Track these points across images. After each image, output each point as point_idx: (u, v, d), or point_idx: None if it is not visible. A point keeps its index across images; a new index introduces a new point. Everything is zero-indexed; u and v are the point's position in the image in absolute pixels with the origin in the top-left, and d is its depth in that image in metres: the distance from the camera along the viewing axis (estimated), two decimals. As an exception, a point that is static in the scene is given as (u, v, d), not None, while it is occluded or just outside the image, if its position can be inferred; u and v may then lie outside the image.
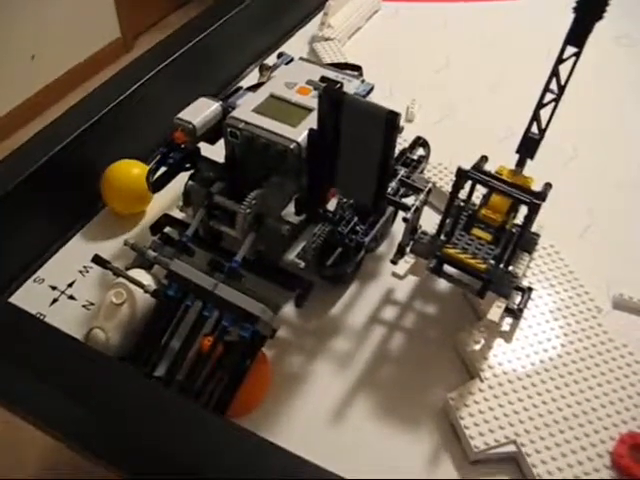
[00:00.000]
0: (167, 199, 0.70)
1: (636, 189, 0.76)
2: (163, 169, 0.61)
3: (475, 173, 0.54)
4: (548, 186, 0.56)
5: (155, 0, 2.40)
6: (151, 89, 0.74)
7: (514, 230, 0.57)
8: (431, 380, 0.57)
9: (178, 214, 0.65)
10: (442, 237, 0.58)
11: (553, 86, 0.54)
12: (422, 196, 0.56)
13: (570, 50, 0.51)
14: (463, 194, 0.56)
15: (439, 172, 0.74)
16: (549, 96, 0.54)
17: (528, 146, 0.57)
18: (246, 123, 0.56)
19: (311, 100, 0.58)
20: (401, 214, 0.56)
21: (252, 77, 0.91)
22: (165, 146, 0.60)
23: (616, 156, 0.81)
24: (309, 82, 0.56)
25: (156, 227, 0.64)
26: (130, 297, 0.54)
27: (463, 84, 0.92)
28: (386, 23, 1.06)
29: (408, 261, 0.57)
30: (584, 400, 0.54)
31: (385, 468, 0.51)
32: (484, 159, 0.59)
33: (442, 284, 0.64)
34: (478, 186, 0.55)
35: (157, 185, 0.61)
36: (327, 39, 0.97)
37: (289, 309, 0.62)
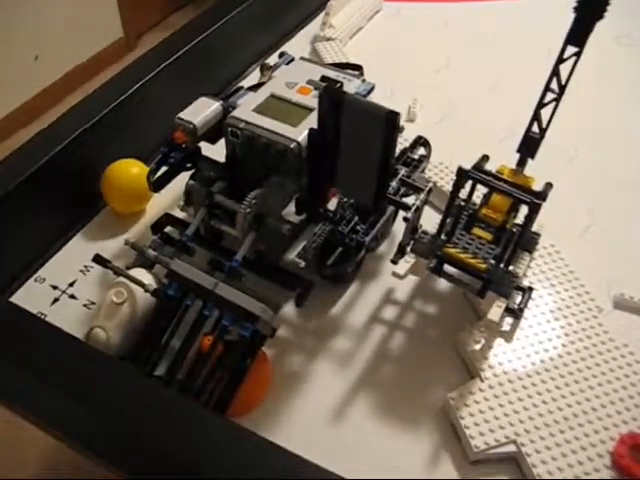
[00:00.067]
0: (168, 199, 0.70)
1: (636, 189, 0.76)
2: (164, 169, 0.61)
3: (475, 173, 0.54)
4: (549, 186, 0.56)
5: (158, -1, 2.41)
6: (152, 89, 0.74)
7: (514, 230, 0.57)
8: (431, 380, 0.57)
9: (179, 213, 0.65)
10: (442, 237, 0.58)
11: (554, 86, 0.54)
12: (423, 196, 0.56)
13: (571, 50, 0.51)
14: (464, 193, 0.56)
15: (440, 171, 0.74)
16: (550, 96, 0.54)
17: (529, 146, 0.57)
18: (246, 123, 0.56)
19: (312, 100, 0.58)
20: (402, 213, 0.56)
21: (253, 77, 0.91)
22: (166, 146, 0.60)
23: (617, 156, 0.81)
24: (310, 82, 0.56)
25: (157, 226, 0.64)
26: (131, 296, 0.55)
27: (464, 84, 0.92)
28: (387, 23, 1.06)
29: (408, 261, 0.57)
30: (584, 400, 0.54)
31: (385, 468, 0.51)
32: (485, 159, 0.59)
33: (442, 284, 0.64)
34: (479, 185, 0.55)
35: (158, 185, 0.61)
36: (328, 39, 0.97)
37: (289, 308, 0.62)
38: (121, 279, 0.55)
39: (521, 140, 0.57)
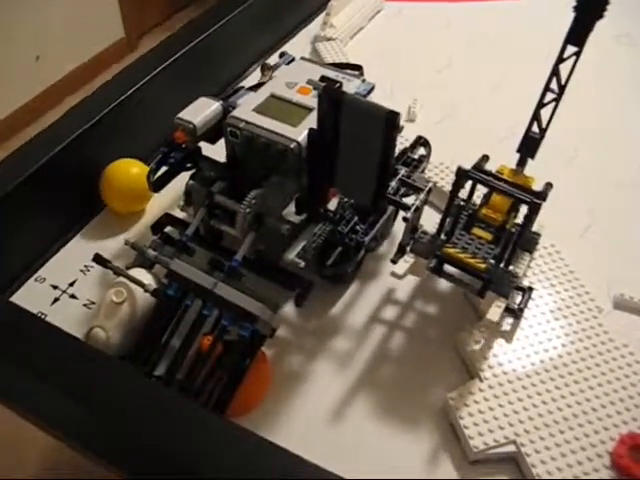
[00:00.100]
0: (168, 199, 0.70)
1: (636, 189, 0.76)
2: (164, 169, 0.61)
3: (475, 172, 0.54)
4: (549, 186, 0.56)
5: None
6: (152, 89, 0.74)
7: (514, 230, 0.57)
8: (431, 380, 0.57)
9: (179, 213, 0.65)
10: (442, 236, 0.58)
11: (554, 85, 0.53)
12: (422, 195, 0.56)
13: (570, 49, 0.51)
14: (464, 193, 0.56)
15: (440, 171, 0.74)
16: (550, 96, 0.54)
17: (529, 146, 0.57)
18: (246, 123, 0.56)
19: (311, 100, 0.58)
20: (401, 213, 0.56)
21: (254, 77, 0.91)
22: (166, 146, 0.60)
23: (617, 156, 0.81)
24: (309, 82, 0.56)
25: (157, 226, 0.64)
26: (130, 296, 0.55)
27: (465, 84, 0.92)
28: (389, 23, 1.06)
29: (408, 261, 0.57)
30: (584, 400, 0.54)
31: (385, 468, 0.51)
32: (485, 158, 0.59)
33: (442, 284, 0.64)
34: (479, 185, 0.55)
35: (158, 185, 0.61)
36: (329, 39, 0.97)
37: (289, 308, 0.62)
38: (121, 279, 0.55)
39: (521, 140, 0.57)
